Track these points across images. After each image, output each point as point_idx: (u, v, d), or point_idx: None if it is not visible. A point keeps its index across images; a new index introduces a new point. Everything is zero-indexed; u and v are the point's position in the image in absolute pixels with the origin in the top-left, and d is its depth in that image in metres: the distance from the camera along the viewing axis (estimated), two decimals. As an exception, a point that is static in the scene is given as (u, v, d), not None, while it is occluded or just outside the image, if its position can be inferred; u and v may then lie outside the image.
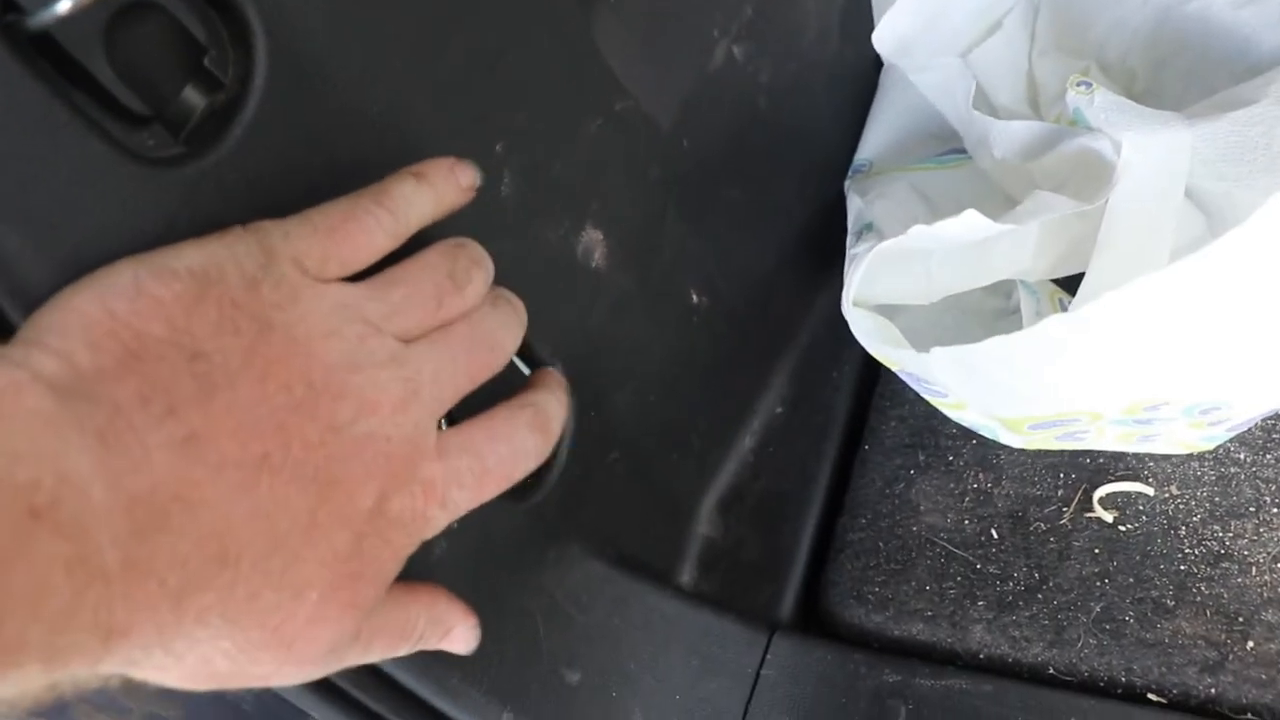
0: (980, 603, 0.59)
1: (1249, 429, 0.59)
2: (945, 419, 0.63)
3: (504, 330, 0.42)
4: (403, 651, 0.42)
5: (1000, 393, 0.52)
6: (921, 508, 0.63)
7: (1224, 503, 0.58)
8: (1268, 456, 0.59)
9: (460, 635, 0.44)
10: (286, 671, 0.36)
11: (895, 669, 0.58)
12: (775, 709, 0.58)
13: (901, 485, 0.64)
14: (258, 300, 0.34)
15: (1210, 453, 0.59)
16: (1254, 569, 0.57)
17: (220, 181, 0.38)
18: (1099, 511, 0.59)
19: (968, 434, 0.63)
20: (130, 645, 0.31)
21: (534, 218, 0.51)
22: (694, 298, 0.60)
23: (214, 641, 0.33)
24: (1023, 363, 0.49)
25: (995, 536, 0.61)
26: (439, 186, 0.41)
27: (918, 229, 0.50)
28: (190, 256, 0.34)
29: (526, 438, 0.42)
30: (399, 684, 0.51)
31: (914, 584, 0.61)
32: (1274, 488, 0.58)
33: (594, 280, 0.54)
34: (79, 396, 0.30)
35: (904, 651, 0.60)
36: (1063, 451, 0.61)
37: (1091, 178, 0.55)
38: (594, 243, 0.54)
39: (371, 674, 0.49)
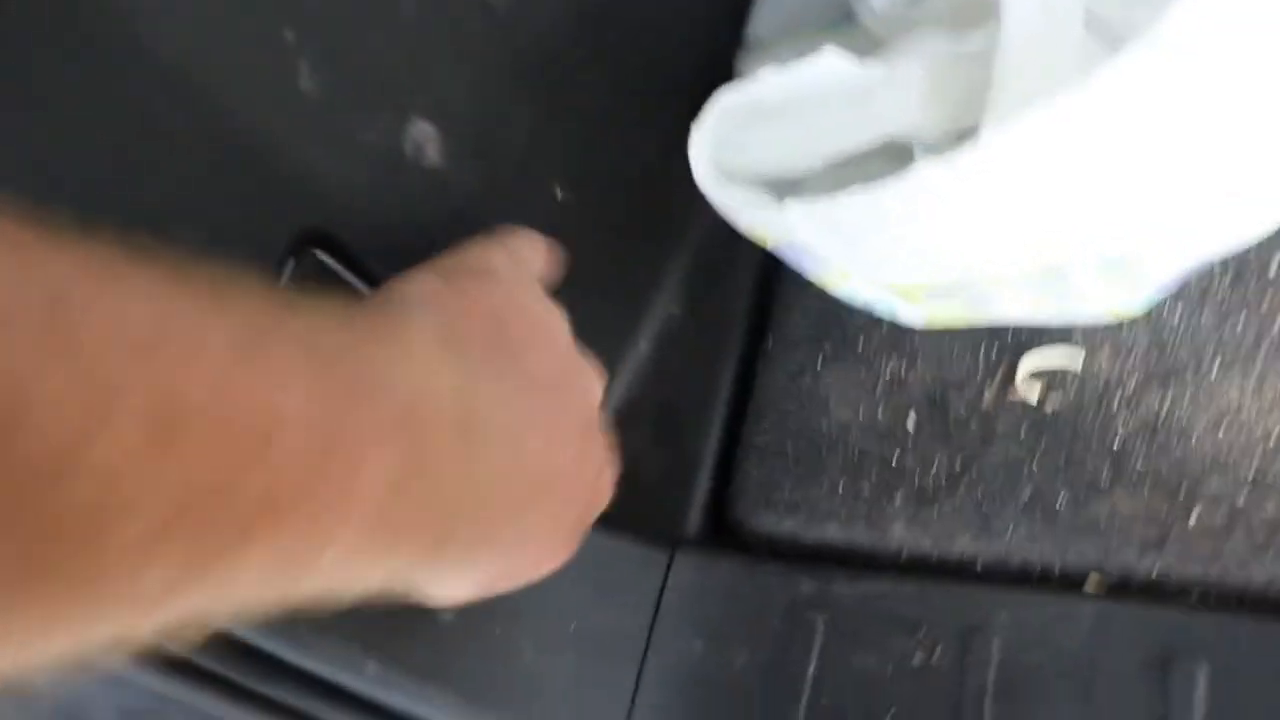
0: (899, 498, 0.54)
1: (1182, 286, 0.53)
2: (852, 304, 0.58)
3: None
4: None
5: (879, 256, 0.47)
6: (831, 402, 0.58)
7: (1159, 368, 0.53)
8: (1204, 313, 0.54)
9: None
10: (513, 585, 0.43)
11: (810, 578, 0.53)
12: (682, 632, 0.54)
13: (808, 379, 0.59)
14: (521, 289, 0.44)
15: (1143, 316, 0.54)
16: (1194, 436, 0.52)
17: None
18: (1023, 390, 0.54)
19: (878, 318, 0.58)
20: (491, 544, 0.39)
21: (345, 113, 0.45)
22: (558, 194, 0.55)
23: (505, 556, 0.41)
24: (899, 219, 0.43)
25: (912, 426, 0.56)
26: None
27: (766, 72, 0.44)
28: (471, 256, 0.44)
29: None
30: (252, 647, 0.46)
31: (826, 485, 0.56)
32: (1212, 347, 0.53)
33: (430, 180, 0.49)
34: (447, 344, 0.37)
35: (820, 558, 0.55)
36: (980, 328, 0.56)
37: (980, 16, 0.49)
38: (425, 137, 0.48)
39: (223, 641, 0.45)
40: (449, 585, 0.40)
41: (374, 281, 0.47)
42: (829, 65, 0.44)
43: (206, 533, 0.26)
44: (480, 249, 0.45)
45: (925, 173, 0.41)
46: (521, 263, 0.46)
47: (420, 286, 0.40)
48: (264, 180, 0.43)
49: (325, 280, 0.45)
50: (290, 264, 0.44)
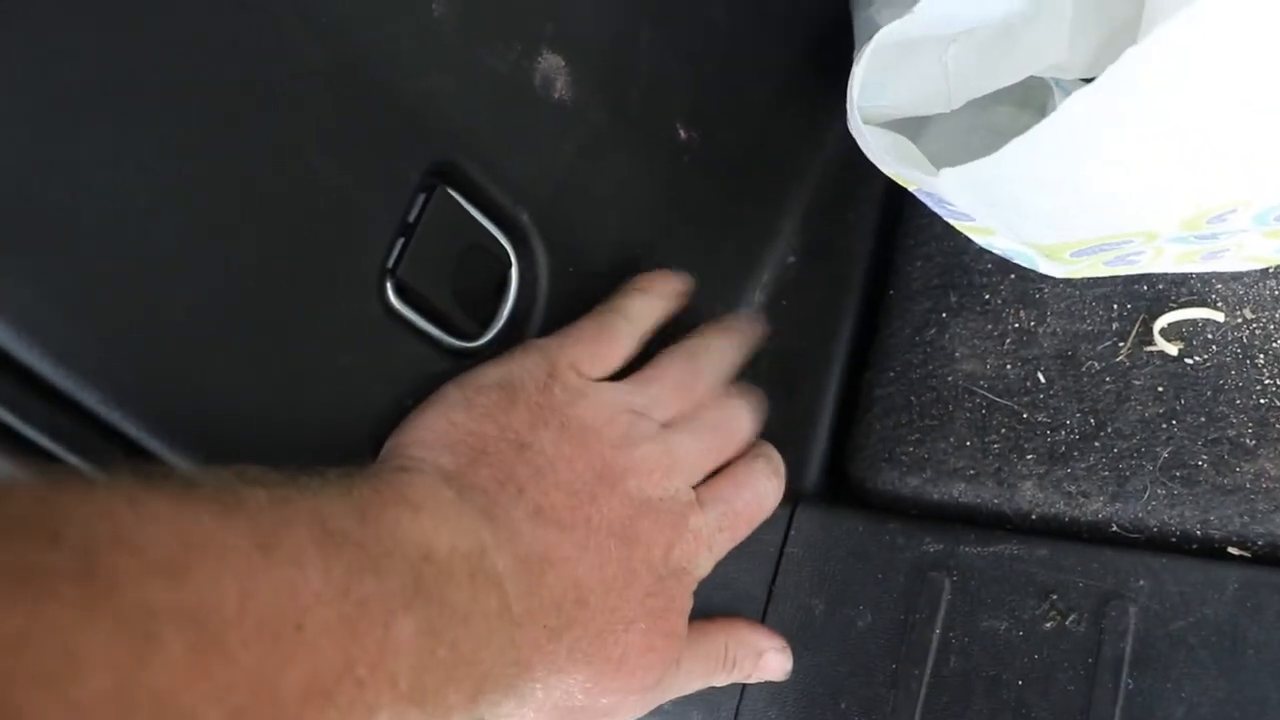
0: (1029, 456, 0.52)
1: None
2: (978, 254, 0.56)
3: (741, 417, 0.51)
4: (720, 680, 0.50)
5: (1029, 216, 0.44)
6: (957, 354, 0.55)
7: (1307, 323, 0.51)
8: (1356, 267, 0.51)
9: (772, 661, 0.51)
10: (629, 702, 0.44)
11: (936, 537, 0.51)
12: (803, 589, 0.52)
13: (933, 331, 0.56)
14: (553, 398, 0.44)
15: (1289, 267, 0.51)
16: (1345, 397, 0.49)
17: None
18: (1161, 344, 0.52)
19: (1005, 267, 0.56)
20: (529, 679, 0.39)
21: (476, 43, 0.43)
22: (681, 133, 0.53)
23: (575, 676, 0.41)
24: (1048, 173, 0.41)
25: (1043, 380, 0.53)
26: (659, 294, 0.50)
27: (926, 3, 0.42)
28: (496, 373, 0.44)
29: (765, 482, 0.50)
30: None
31: (953, 440, 0.54)
32: (1364, 303, 0.51)
33: (557, 114, 0.47)
34: (459, 487, 0.39)
35: (945, 517, 0.53)
36: (1115, 279, 0.54)
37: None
38: (554, 70, 0.46)
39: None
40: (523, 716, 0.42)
41: (502, 221, 0.46)
42: (989, -2, 0.41)
43: None
44: (508, 360, 0.45)
45: (1076, 106, 0.38)
46: (561, 370, 0.45)
47: (436, 421, 0.42)
48: (395, 110, 0.41)
49: (454, 218, 0.44)
50: (420, 201, 0.42)
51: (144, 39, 0.33)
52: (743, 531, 0.50)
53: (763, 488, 0.50)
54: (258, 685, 0.28)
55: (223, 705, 0.27)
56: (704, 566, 0.48)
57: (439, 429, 0.42)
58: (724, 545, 0.49)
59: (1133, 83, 0.37)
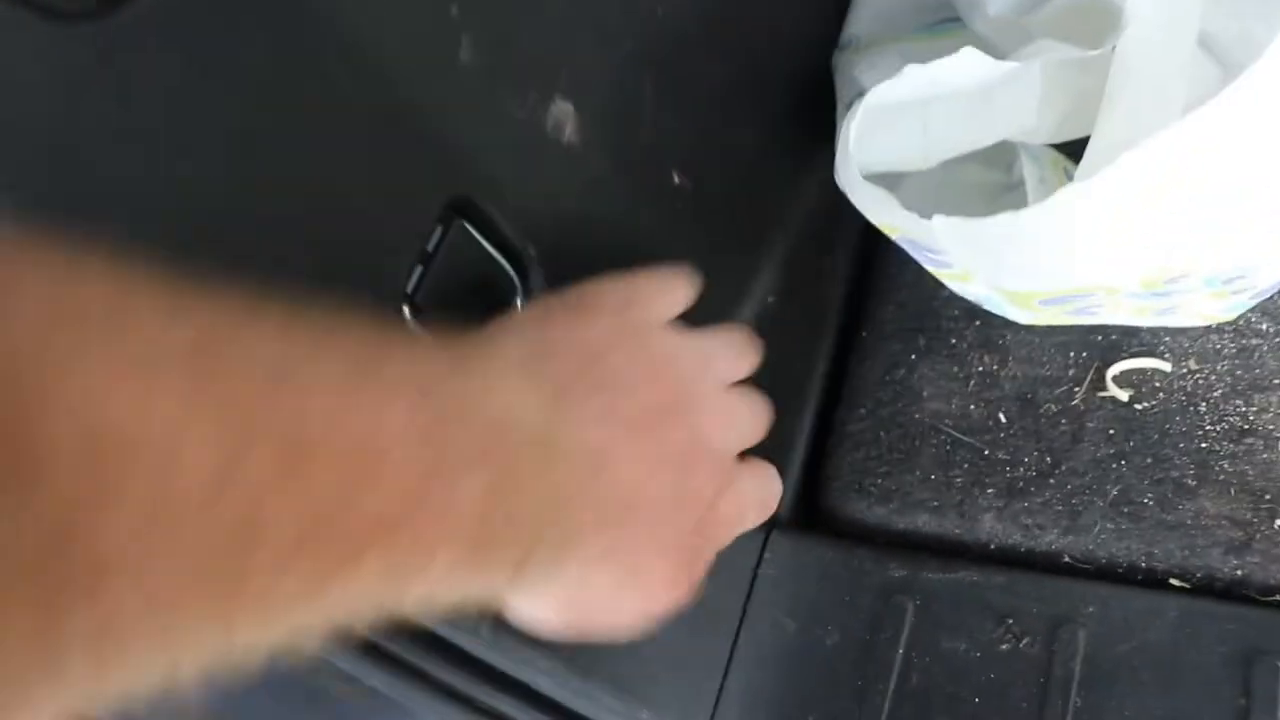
0: (989, 490, 0.56)
1: (1271, 296, 0.55)
2: (946, 300, 0.60)
3: (763, 414, 0.50)
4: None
5: (1008, 268, 0.48)
6: (924, 394, 0.59)
7: (1246, 376, 0.55)
8: (1290, 325, 0.56)
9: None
10: (633, 624, 0.44)
11: (901, 563, 0.55)
12: (775, 609, 0.55)
13: (902, 371, 0.60)
14: (630, 322, 0.45)
15: (1230, 324, 0.56)
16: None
17: (137, 40, 0.36)
18: (1113, 390, 0.56)
19: (971, 314, 0.60)
20: (570, 555, 0.39)
21: (497, 87, 0.46)
22: (675, 179, 0.56)
23: (601, 572, 0.41)
24: (1033, 238, 0.45)
25: (1003, 420, 0.57)
26: (691, 281, 0.50)
27: (912, 68, 0.46)
28: (577, 292, 0.45)
29: (777, 485, 0.50)
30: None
31: (918, 474, 0.57)
32: (1298, 358, 0.55)
33: (566, 157, 0.50)
34: (532, 374, 0.40)
35: (910, 545, 0.57)
36: (1073, 328, 0.58)
37: (1096, 27, 0.51)
38: (564, 116, 0.50)
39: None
40: (535, 602, 0.42)
41: (510, 253, 0.49)
42: (970, 64, 0.45)
43: (329, 550, 0.28)
44: (596, 286, 0.46)
45: (1064, 197, 0.43)
46: (640, 301, 0.46)
47: (518, 322, 0.44)
48: (421, 147, 0.44)
49: (468, 250, 0.47)
50: (438, 232, 0.45)
51: (203, 64, 0.36)
52: (758, 520, 0.50)
53: (776, 488, 0.51)
54: (329, 510, 0.28)
55: (295, 524, 0.27)
56: (734, 531, 0.47)
57: (518, 329, 0.43)
58: (750, 523, 0.48)
59: (1123, 181, 0.42)
